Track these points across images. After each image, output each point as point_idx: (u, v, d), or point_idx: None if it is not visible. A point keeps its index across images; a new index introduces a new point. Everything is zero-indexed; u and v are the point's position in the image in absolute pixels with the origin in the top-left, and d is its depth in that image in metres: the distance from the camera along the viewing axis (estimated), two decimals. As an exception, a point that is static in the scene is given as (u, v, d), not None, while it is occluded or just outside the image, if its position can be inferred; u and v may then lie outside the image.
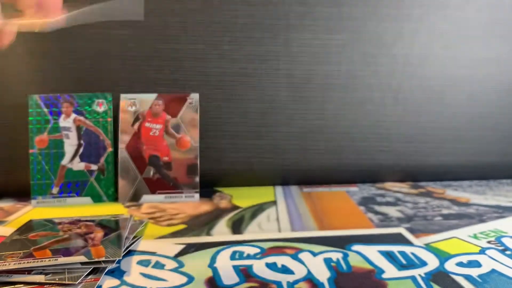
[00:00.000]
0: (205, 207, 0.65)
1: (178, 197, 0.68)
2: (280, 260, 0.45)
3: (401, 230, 0.54)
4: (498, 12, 0.77)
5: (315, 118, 0.76)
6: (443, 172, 0.79)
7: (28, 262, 0.41)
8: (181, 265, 0.44)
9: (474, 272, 0.42)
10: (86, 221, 0.54)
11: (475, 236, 0.52)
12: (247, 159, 0.75)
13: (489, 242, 0.50)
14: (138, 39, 0.72)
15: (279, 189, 0.75)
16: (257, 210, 0.63)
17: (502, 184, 0.78)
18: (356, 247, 0.48)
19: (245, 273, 0.42)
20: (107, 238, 0.47)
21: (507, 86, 0.79)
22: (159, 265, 0.44)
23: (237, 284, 0.40)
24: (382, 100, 0.77)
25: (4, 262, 0.41)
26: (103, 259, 0.42)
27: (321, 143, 0.76)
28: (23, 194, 0.70)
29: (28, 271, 0.40)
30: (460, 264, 0.44)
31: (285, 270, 0.43)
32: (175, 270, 0.43)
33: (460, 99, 0.78)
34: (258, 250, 0.47)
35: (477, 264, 0.44)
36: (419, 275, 0.41)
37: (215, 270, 0.43)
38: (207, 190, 0.74)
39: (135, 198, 0.67)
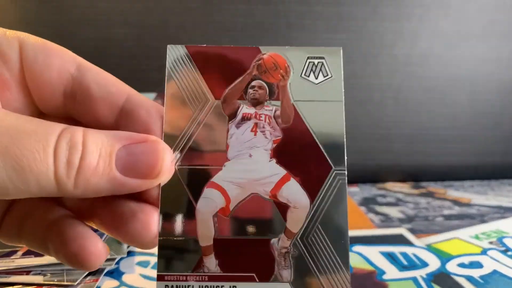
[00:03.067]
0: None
1: (178, 197, 0.68)
2: (280, 261, 0.45)
3: (402, 230, 0.54)
4: (499, 12, 0.77)
5: (316, 118, 0.75)
6: (444, 172, 0.79)
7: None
8: (181, 266, 0.44)
9: (475, 273, 0.42)
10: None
11: (476, 237, 0.51)
12: (247, 159, 0.75)
13: (490, 242, 0.49)
14: (137, 38, 0.72)
15: (279, 189, 0.75)
16: (257, 210, 0.63)
17: (504, 184, 0.78)
18: (357, 248, 0.48)
19: (245, 274, 0.42)
20: (109, 237, 0.47)
21: (508, 86, 0.79)
22: (158, 266, 0.44)
23: (237, 285, 0.40)
24: (382, 100, 0.76)
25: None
26: (108, 256, 0.42)
27: (321, 143, 0.76)
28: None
29: (27, 271, 0.40)
30: (461, 265, 0.43)
31: (285, 271, 0.42)
32: (174, 271, 0.43)
33: (461, 99, 0.78)
34: (258, 251, 0.47)
35: (478, 265, 0.43)
36: (421, 276, 0.41)
37: (214, 271, 0.42)
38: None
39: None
